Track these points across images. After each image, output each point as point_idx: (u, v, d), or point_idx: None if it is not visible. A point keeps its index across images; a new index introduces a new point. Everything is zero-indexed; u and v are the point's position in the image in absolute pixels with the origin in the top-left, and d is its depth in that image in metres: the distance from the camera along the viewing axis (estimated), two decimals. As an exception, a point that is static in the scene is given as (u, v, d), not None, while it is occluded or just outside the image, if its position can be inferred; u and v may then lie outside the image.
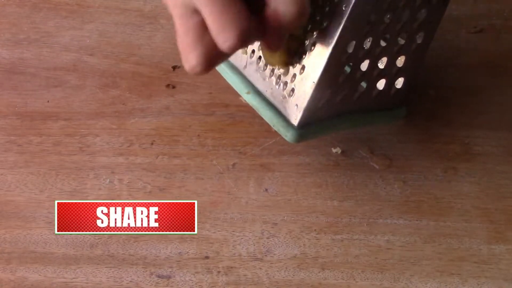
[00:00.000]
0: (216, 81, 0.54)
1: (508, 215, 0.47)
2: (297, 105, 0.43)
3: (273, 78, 0.45)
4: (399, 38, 0.44)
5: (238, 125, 0.52)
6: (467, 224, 0.46)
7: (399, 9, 0.42)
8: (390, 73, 0.46)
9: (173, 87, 0.54)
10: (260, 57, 0.46)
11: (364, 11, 0.40)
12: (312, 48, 0.42)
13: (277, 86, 0.44)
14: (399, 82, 0.47)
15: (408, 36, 0.44)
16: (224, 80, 0.51)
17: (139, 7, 0.61)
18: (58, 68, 0.55)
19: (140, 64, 0.56)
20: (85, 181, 0.48)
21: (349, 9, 0.40)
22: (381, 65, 0.45)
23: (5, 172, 0.48)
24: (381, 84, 0.46)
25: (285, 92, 0.44)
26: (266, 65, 0.45)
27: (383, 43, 0.44)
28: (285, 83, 0.44)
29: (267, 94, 0.45)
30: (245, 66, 0.47)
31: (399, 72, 0.46)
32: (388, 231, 0.46)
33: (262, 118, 0.51)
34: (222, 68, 0.48)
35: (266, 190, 0.48)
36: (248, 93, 0.46)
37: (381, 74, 0.45)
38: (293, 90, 0.43)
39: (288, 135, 0.43)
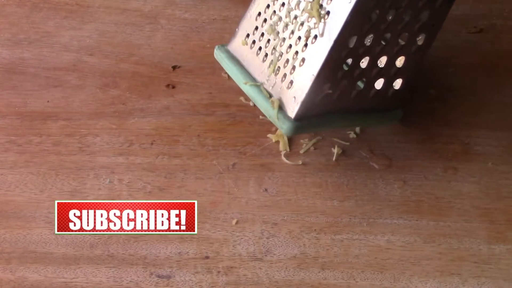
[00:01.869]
0: (216, 81, 0.54)
1: (508, 215, 0.47)
2: (295, 97, 0.43)
3: (272, 69, 0.45)
4: (400, 39, 0.44)
5: (238, 125, 0.52)
6: (467, 224, 0.46)
7: (402, 8, 0.42)
8: (389, 73, 0.46)
9: (173, 87, 0.54)
10: (260, 48, 0.46)
11: (367, 7, 0.41)
12: (313, 40, 0.42)
13: (275, 78, 0.44)
14: (397, 83, 0.47)
15: (409, 37, 0.44)
16: (224, 80, 0.51)
17: (139, 7, 0.61)
18: (58, 68, 0.55)
19: (140, 64, 0.56)
20: (85, 181, 0.48)
21: (353, 3, 0.40)
22: (381, 64, 0.45)
23: (5, 172, 0.48)
24: (379, 84, 0.46)
25: (283, 84, 0.44)
26: (265, 56, 0.45)
27: (383, 43, 0.44)
28: (284, 75, 0.44)
29: (265, 85, 0.45)
30: (245, 57, 0.47)
31: (398, 73, 0.46)
32: (388, 231, 0.46)
33: (262, 118, 0.51)
34: (221, 58, 0.48)
35: (266, 190, 0.48)
36: (246, 83, 0.46)
37: (380, 73, 0.45)
38: (291, 82, 0.43)
39: (284, 127, 0.43)
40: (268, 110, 0.44)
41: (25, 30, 0.58)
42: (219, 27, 0.59)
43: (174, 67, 0.55)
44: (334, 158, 0.49)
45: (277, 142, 0.50)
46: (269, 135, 0.50)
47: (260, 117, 0.51)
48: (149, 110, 0.52)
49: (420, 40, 0.45)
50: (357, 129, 0.51)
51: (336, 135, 0.50)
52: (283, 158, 0.49)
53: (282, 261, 0.44)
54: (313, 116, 0.44)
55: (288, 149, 0.49)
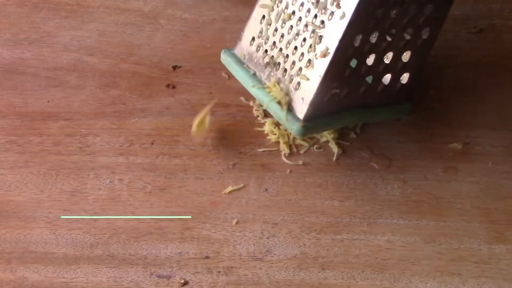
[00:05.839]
0: (216, 81, 0.54)
1: (508, 215, 0.47)
2: (303, 98, 0.43)
3: (279, 72, 0.45)
4: (405, 34, 0.44)
5: (238, 125, 0.52)
6: (467, 224, 0.46)
7: (405, 4, 0.42)
8: (396, 68, 0.46)
9: (173, 87, 0.54)
10: (266, 51, 0.46)
11: (370, 5, 0.41)
12: (319, 41, 0.42)
13: (283, 80, 0.44)
14: (404, 78, 0.47)
15: (414, 31, 0.44)
16: (225, 80, 0.51)
17: (139, 7, 0.61)
18: (58, 68, 0.55)
19: (140, 64, 0.56)
20: (85, 181, 0.48)
21: (356, 2, 0.40)
22: (387, 60, 0.45)
23: (5, 172, 0.48)
24: (386, 79, 0.46)
25: (291, 86, 0.44)
26: (271, 58, 0.45)
27: (389, 39, 0.44)
28: (291, 77, 0.44)
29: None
30: (251, 60, 0.47)
31: (405, 68, 0.46)
32: (388, 231, 0.46)
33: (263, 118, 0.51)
34: (228, 62, 0.48)
35: (266, 190, 0.48)
36: (253, 86, 0.46)
37: (387, 69, 0.45)
38: (299, 84, 0.43)
39: (294, 129, 0.43)
40: (277, 112, 0.44)
41: (25, 30, 0.58)
42: (219, 27, 0.59)
43: (174, 67, 0.55)
44: (334, 158, 0.49)
45: (277, 142, 0.50)
46: (269, 135, 0.50)
47: (259, 118, 0.51)
48: (149, 110, 0.52)
49: (425, 33, 0.45)
50: (357, 129, 0.51)
51: (335, 135, 0.50)
52: (283, 158, 0.49)
53: (282, 261, 0.44)
54: (322, 116, 0.44)
55: (288, 149, 0.49)
